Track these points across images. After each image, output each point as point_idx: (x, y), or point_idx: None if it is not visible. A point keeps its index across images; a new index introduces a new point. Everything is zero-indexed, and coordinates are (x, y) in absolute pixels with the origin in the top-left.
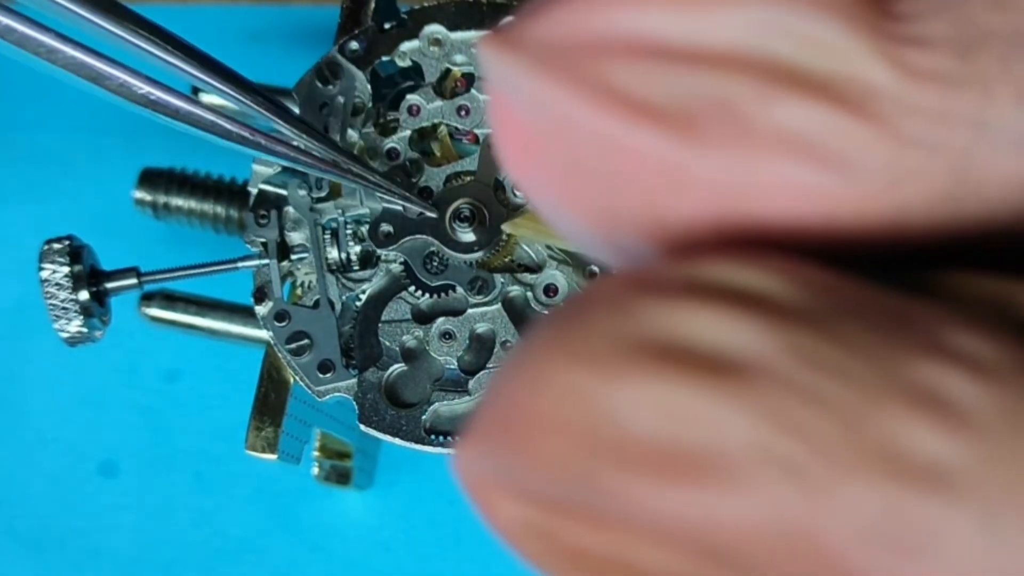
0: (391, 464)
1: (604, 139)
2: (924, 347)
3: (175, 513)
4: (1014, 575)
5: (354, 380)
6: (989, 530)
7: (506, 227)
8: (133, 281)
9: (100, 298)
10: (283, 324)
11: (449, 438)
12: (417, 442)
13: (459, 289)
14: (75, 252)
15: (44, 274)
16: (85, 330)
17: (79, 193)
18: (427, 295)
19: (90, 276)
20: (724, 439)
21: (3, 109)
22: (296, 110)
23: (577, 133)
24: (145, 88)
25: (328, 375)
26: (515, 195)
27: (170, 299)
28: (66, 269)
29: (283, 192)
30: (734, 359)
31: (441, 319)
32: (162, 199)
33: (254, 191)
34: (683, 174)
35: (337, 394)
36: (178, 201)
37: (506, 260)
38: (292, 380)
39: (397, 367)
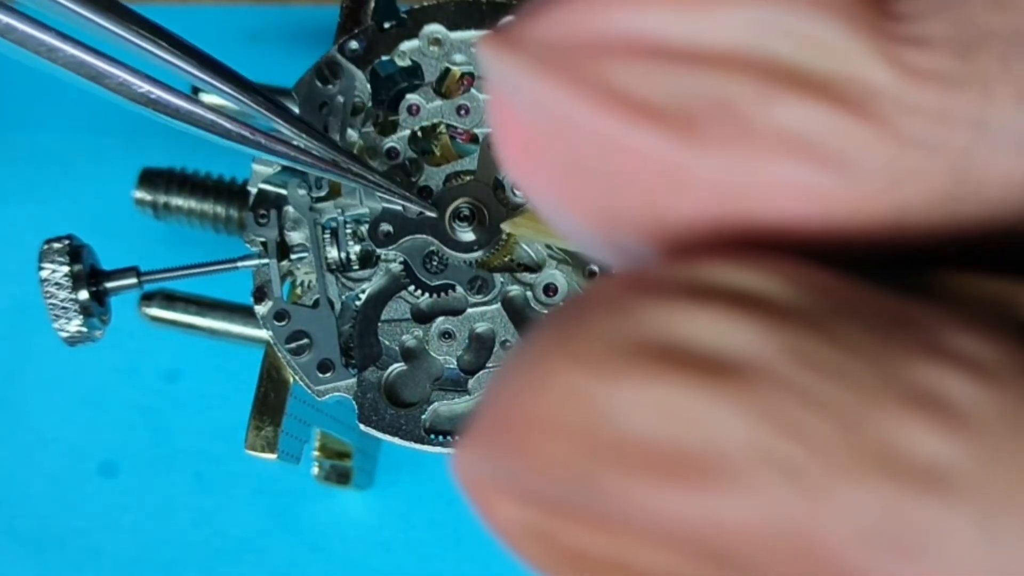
0: (391, 464)
1: (604, 139)
2: (923, 348)
3: (175, 513)
4: (1013, 575)
5: (354, 380)
6: (988, 531)
7: (505, 226)
8: (133, 281)
9: (100, 298)
10: (283, 324)
11: (449, 438)
12: (417, 442)
13: (459, 288)
14: (75, 252)
15: (44, 274)
16: (85, 330)
17: (79, 193)
18: (427, 294)
19: (90, 276)
20: (723, 440)
21: (3, 109)
22: (296, 110)
23: (577, 133)
24: (145, 87)
25: (328, 374)
26: (515, 194)
27: (170, 299)
28: (66, 269)
29: (283, 191)
30: (733, 360)
31: (441, 318)
32: (162, 199)
33: (254, 190)
34: (683, 174)
35: (337, 393)
36: (178, 201)
37: (506, 260)
38: (292, 380)
39: (397, 366)
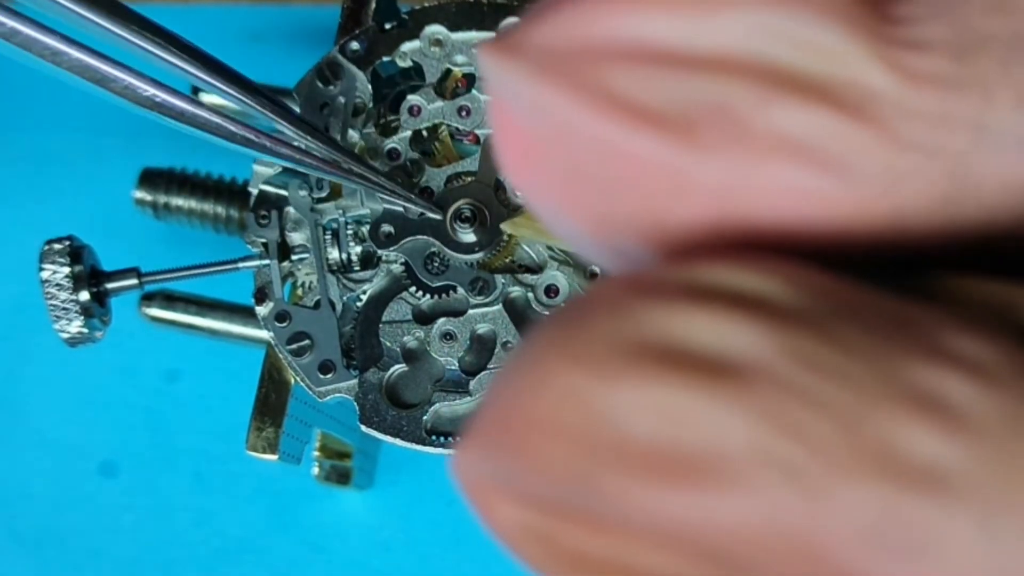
0: (391, 464)
1: (604, 144)
2: (923, 350)
3: (175, 513)
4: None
5: (355, 381)
6: (988, 532)
7: (505, 226)
8: (134, 281)
9: (100, 298)
10: (284, 325)
11: (450, 439)
12: (418, 443)
13: (460, 290)
14: (75, 252)
15: (44, 274)
16: (86, 330)
17: (79, 193)
18: (428, 296)
19: (90, 276)
20: (723, 441)
21: (3, 109)
22: (297, 110)
23: (577, 138)
24: (150, 90)
25: (329, 376)
26: (516, 196)
27: (170, 299)
28: (67, 270)
29: (284, 193)
30: (733, 361)
31: (442, 320)
32: (162, 199)
33: (255, 191)
34: (683, 179)
35: (338, 395)
36: (178, 201)
37: (507, 261)
38: (293, 381)
39: (398, 368)
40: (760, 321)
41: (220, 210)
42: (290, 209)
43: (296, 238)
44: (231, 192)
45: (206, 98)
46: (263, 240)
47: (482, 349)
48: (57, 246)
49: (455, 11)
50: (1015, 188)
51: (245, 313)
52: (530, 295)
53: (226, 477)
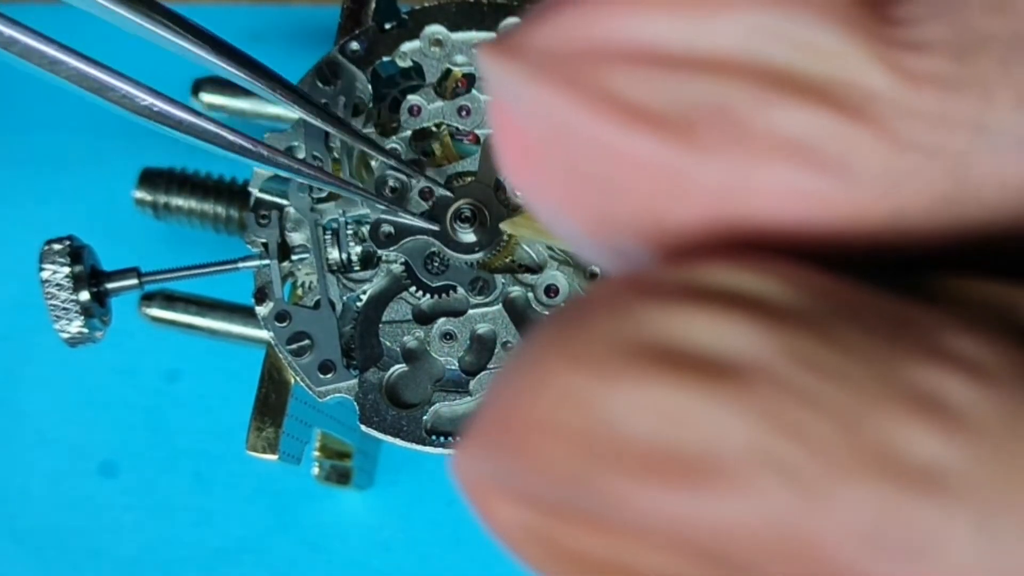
0: (391, 464)
1: (603, 145)
2: (923, 350)
3: (175, 513)
4: None
5: (355, 381)
6: (987, 533)
7: (504, 226)
8: (134, 281)
9: (101, 299)
10: (284, 325)
11: (450, 439)
12: (418, 443)
13: (460, 290)
14: (75, 252)
15: (45, 275)
16: (86, 331)
17: (79, 193)
18: (428, 295)
19: (91, 276)
20: (722, 442)
21: (3, 110)
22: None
23: (577, 139)
24: (148, 99)
25: (329, 376)
26: (516, 195)
27: (170, 299)
28: (67, 270)
29: (280, 201)
30: (732, 362)
31: (442, 320)
32: (162, 199)
33: (255, 192)
34: (682, 180)
35: (338, 395)
36: (178, 201)
37: (507, 261)
38: (293, 381)
39: (398, 368)
40: (759, 321)
41: (220, 210)
42: (290, 209)
43: (296, 238)
44: (231, 192)
45: (206, 98)
46: (263, 240)
47: (482, 349)
48: (57, 246)
49: (455, 11)
50: (1015, 188)
51: (245, 313)
52: (530, 295)
53: (226, 477)
